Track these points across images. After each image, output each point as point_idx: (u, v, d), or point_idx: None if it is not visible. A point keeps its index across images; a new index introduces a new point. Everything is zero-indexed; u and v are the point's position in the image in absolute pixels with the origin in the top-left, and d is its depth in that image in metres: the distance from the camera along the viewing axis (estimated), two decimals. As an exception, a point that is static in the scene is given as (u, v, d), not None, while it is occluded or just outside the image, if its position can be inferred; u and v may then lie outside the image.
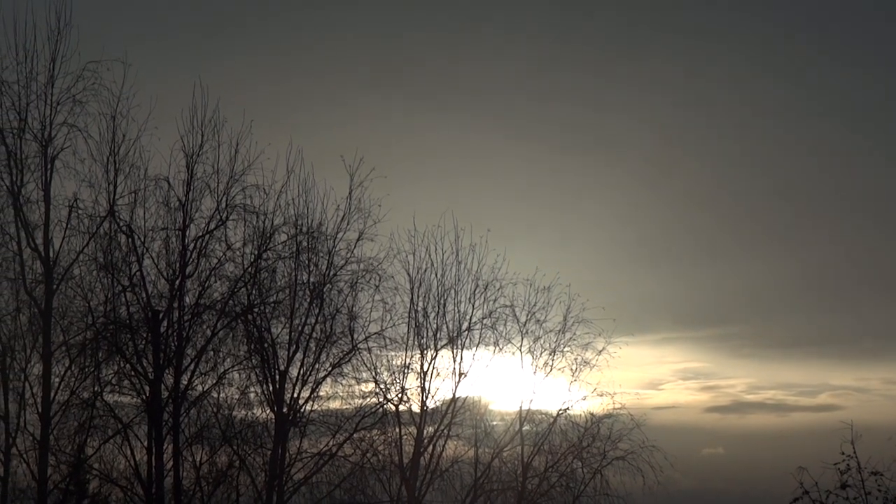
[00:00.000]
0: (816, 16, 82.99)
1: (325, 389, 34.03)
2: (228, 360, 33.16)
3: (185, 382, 32.03)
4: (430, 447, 34.95)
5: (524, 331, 35.73)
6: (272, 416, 33.13)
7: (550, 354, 35.98)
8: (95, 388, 31.97)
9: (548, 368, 36.09)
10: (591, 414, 36.00)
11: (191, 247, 32.15)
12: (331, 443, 33.91)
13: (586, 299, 35.68)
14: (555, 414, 36.11)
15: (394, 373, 34.68)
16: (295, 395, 33.28)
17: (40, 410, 31.11)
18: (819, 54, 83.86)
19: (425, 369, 34.77)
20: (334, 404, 34.54)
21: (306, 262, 33.45)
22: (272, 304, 33.28)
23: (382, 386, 34.49)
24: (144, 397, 31.86)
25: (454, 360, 35.08)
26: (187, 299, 32.33)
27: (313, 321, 33.36)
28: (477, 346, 35.34)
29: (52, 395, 31.20)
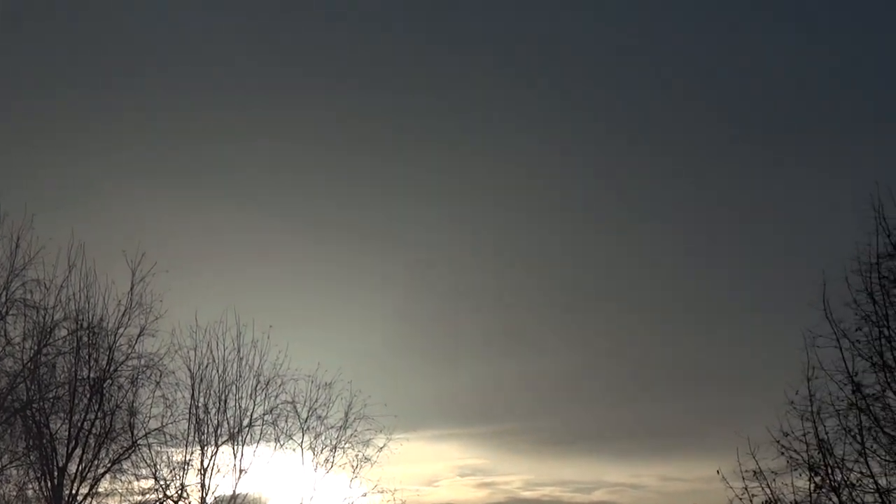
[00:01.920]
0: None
1: (104, 486, 34.02)
2: (6, 456, 32.99)
3: (-39, 478, 31.71)
4: (211, 544, 35.04)
5: (305, 427, 36.41)
6: (50, 512, 32.89)
7: (332, 451, 36.66)
8: None
9: (329, 465, 36.74)
10: (372, 510, 36.68)
11: (-31, 341, 32.14)
12: (110, 540, 33.78)
13: (368, 395, 36.61)
14: (335, 510, 36.67)
15: (174, 469, 34.81)
16: (73, 491, 33.10)
17: None
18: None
19: (205, 466, 35.02)
20: (113, 501, 34.51)
21: (87, 357, 33.63)
22: (51, 400, 33.30)
23: (162, 482, 34.59)
24: (-83, 493, 31.46)
25: (235, 457, 35.43)
26: (-35, 394, 32.18)
27: (93, 417, 33.39)
28: (258, 442, 35.81)
29: None
